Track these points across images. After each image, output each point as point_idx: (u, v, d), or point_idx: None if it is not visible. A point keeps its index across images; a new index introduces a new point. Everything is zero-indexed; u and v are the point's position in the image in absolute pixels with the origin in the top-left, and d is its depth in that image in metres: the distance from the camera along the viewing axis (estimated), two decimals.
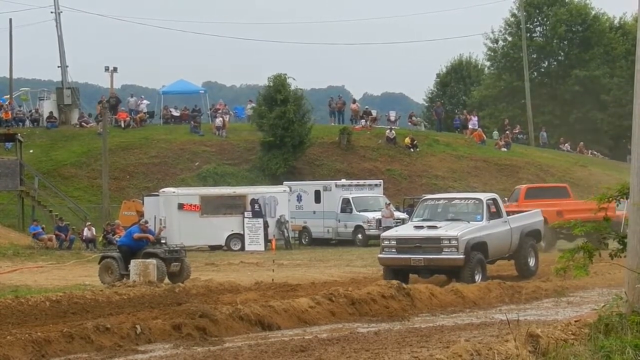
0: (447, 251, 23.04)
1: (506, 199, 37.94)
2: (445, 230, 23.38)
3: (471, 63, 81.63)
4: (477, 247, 23.51)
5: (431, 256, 23.11)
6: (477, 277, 23.10)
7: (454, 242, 23.00)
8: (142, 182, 51.75)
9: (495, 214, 24.86)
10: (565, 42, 72.00)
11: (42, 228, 42.05)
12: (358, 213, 42.06)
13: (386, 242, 23.90)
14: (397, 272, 23.26)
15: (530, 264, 25.99)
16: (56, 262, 34.82)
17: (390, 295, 19.37)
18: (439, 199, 26.25)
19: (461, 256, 22.93)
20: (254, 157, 53.96)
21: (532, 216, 27.62)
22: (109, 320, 15.85)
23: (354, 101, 67.02)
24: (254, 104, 57.61)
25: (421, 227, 23.83)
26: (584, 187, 53.64)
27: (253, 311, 16.91)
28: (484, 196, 25.80)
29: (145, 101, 62.50)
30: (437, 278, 23.96)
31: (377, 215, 41.31)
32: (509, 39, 72.72)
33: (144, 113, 60.10)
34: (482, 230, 23.90)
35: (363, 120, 60.00)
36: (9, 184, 44.87)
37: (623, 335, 10.68)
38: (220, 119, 57.80)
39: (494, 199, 25.45)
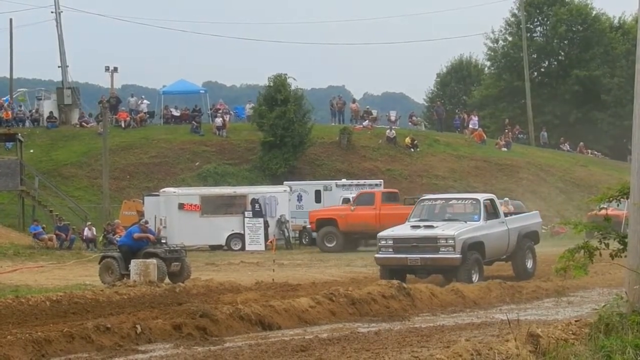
0: (444, 251, 23.01)
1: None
2: (442, 229, 23.35)
3: (471, 63, 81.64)
4: (474, 247, 23.47)
5: (428, 256, 23.08)
6: (475, 277, 23.07)
7: (450, 242, 22.98)
8: (142, 182, 51.75)
9: (492, 214, 24.83)
10: (566, 42, 71.93)
11: (43, 228, 42.03)
12: None
13: (383, 242, 23.87)
14: (394, 271, 23.24)
15: (528, 265, 25.87)
16: (56, 261, 34.83)
17: (391, 295, 19.38)
18: (436, 199, 26.23)
19: (458, 256, 22.90)
20: (255, 157, 53.96)
21: (530, 217, 27.57)
22: (109, 320, 15.85)
23: (354, 101, 67.02)
24: (253, 104, 57.66)
25: (418, 227, 23.81)
26: (584, 186, 53.67)
27: (253, 311, 16.91)
28: (482, 196, 25.78)
29: (145, 101, 62.48)
30: (437, 278, 23.95)
31: None
32: (509, 38, 72.65)
33: (145, 113, 60.08)
34: (479, 230, 23.87)
35: (366, 122, 60.01)
36: (9, 184, 44.87)
37: (623, 335, 10.68)
38: (221, 118, 57.80)
39: (491, 200, 25.42)
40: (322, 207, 43.17)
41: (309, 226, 40.82)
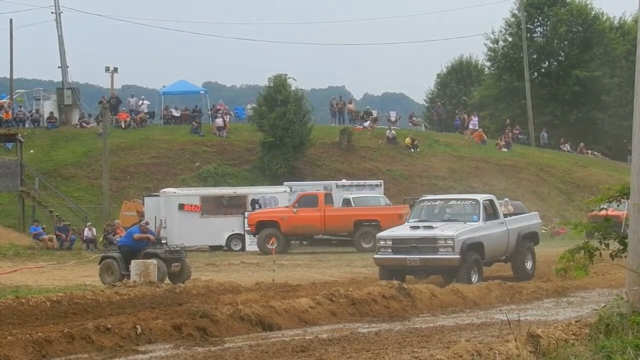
0: (443, 251, 22.97)
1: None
2: (441, 230, 23.31)
3: (471, 63, 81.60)
4: (473, 248, 23.42)
5: (427, 256, 23.03)
6: (474, 278, 23.02)
7: (449, 242, 22.94)
8: (142, 182, 51.75)
9: (492, 215, 24.79)
10: (566, 43, 71.90)
11: (43, 228, 42.04)
12: None
13: (382, 242, 23.85)
14: (393, 272, 23.19)
15: (527, 266, 25.77)
16: (57, 262, 34.84)
17: (391, 296, 19.38)
18: (435, 200, 26.23)
19: (457, 256, 22.86)
20: (255, 158, 53.97)
21: (530, 218, 27.52)
22: (109, 321, 15.85)
23: (350, 101, 67.12)
24: (254, 105, 57.70)
25: (417, 227, 23.78)
26: (584, 187, 53.67)
27: (254, 311, 16.91)
28: (481, 197, 25.77)
29: (145, 101, 62.50)
30: (437, 278, 23.94)
31: None
32: (509, 39, 72.59)
33: (145, 113, 60.09)
34: (479, 231, 23.82)
35: (368, 122, 60.05)
36: (9, 184, 44.88)
37: (624, 335, 10.69)
38: (221, 119, 57.82)
39: (490, 200, 25.39)
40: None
41: (248, 228, 39.73)
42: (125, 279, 24.05)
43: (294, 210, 38.80)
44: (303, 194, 40.18)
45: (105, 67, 61.07)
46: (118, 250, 25.84)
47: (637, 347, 10.25)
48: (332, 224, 39.02)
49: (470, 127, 61.56)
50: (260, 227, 38.90)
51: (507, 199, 40.58)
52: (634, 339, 10.50)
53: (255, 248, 39.91)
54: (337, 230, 39.63)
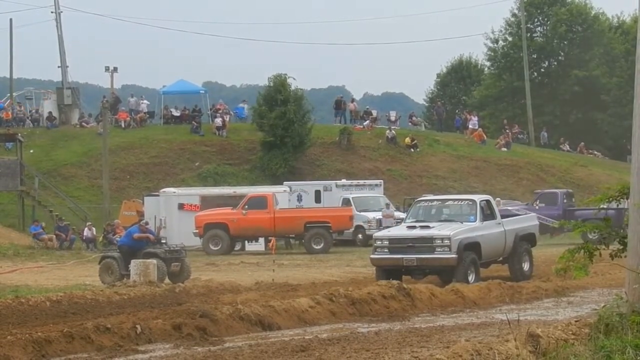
0: (440, 251, 22.94)
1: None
2: (438, 230, 23.28)
3: (471, 63, 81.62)
4: (470, 247, 23.37)
5: (424, 256, 22.99)
6: (471, 278, 22.96)
7: (446, 242, 22.89)
8: (142, 182, 51.76)
9: (489, 215, 24.77)
10: (566, 42, 71.94)
11: (43, 228, 42.03)
12: (358, 213, 41.98)
13: (379, 242, 23.82)
14: (390, 272, 23.13)
15: (525, 268, 25.68)
16: (56, 262, 34.83)
17: (391, 296, 19.37)
18: (432, 200, 26.25)
19: (454, 256, 22.82)
20: (255, 157, 53.99)
21: (527, 220, 27.49)
22: (109, 320, 15.85)
23: (352, 100, 67.12)
24: (247, 104, 57.80)
25: (414, 227, 23.77)
26: (584, 187, 53.63)
27: (253, 311, 16.91)
28: (478, 197, 25.75)
29: (145, 101, 62.53)
30: (437, 278, 23.92)
31: (378, 215, 41.29)
32: (509, 39, 72.64)
33: (144, 113, 60.11)
34: (476, 231, 23.78)
35: (367, 122, 60.06)
36: (9, 184, 44.89)
37: (623, 335, 10.68)
38: (221, 119, 57.83)
39: (487, 201, 25.38)
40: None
41: (196, 231, 38.70)
42: (125, 278, 24.06)
43: (243, 212, 38.45)
44: (252, 196, 39.51)
45: (105, 67, 61.19)
46: (118, 250, 25.86)
47: (636, 346, 10.24)
48: (282, 226, 38.69)
49: (470, 126, 61.59)
50: (207, 229, 38.48)
51: (499, 198, 40.63)
52: (634, 338, 10.49)
53: (254, 247, 39.91)
54: (288, 231, 39.36)
